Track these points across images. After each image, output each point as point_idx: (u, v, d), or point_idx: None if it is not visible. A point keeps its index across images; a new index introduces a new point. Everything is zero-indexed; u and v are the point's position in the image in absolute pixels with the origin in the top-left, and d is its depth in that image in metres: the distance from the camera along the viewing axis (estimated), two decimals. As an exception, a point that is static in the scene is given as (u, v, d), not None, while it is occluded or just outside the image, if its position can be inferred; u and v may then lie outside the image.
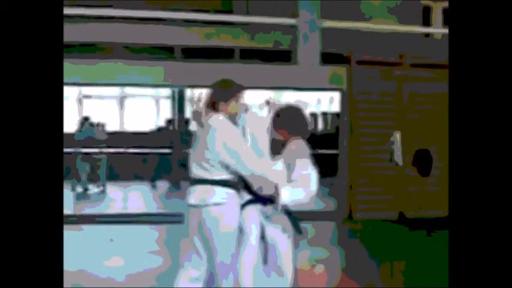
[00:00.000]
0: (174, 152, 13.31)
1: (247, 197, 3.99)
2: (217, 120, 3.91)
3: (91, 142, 12.52)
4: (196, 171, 4.02)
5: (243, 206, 3.98)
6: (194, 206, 3.99)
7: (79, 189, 12.40)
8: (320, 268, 6.30)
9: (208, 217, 3.91)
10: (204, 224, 3.92)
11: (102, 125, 12.92)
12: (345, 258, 7.18)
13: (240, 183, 3.97)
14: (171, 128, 13.95)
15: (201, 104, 4.06)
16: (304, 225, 4.16)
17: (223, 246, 3.91)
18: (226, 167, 3.89)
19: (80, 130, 12.60)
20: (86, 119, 12.79)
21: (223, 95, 3.98)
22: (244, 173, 3.88)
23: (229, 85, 4.06)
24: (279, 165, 3.97)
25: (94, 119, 12.86)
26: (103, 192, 12.52)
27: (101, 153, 12.68)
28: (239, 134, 3.94)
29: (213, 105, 3.96)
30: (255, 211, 3.99)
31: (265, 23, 10.36)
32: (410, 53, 9.81)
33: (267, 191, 3.93)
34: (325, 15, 9.56)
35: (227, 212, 3.91)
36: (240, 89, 4.05)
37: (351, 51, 9.54)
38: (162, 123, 14.38)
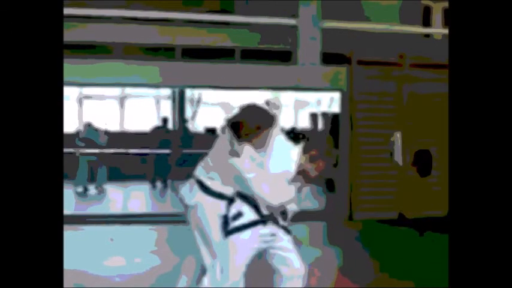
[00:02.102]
0: (172, 152, 13.32)
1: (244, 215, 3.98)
2: (245, 149, 3.91)
3: (91, 143, 12.56)
4: (199, 172, 4.06)
5: (236, 230, 3.97)
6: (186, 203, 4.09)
7: (79, 189, 12.42)
8: None
9: (200, 209, 4.03)
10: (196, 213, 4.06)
11: (104, 131, 13.02)
12: (343, 258, 7.18)
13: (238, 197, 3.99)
14: (169, 126, 13.96)
15: (230, 129, 4.00)
16: (304, 225, 4.16)
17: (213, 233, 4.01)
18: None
19: (83, 135, 12.70)
20: (89, 125, 12.88)
21: (254, 123, 3.93)
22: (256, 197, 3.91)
23: (263, 114, 4.01)
24: (293, 190, 3.99)
25: (96, 124, 12.95)
26: (103, 192, 12.54)
27: (101, 153, 12.70)
28: (256, 167, 3.88)
29: (240, 130, 3.93)
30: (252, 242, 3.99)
31: (265, 23, 10.36)
32: (410, 53, 9.81)
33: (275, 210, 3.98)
34: (326, 15, 9.56)
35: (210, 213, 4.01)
36: (273, 120, 4.00)
37: (351, 51, 9.54)
38: (159, 122, 14.38)
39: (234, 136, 3.92)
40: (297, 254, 4.10)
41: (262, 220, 3.92)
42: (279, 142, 4.01)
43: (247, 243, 3.92)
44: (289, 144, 4.05)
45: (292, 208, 4.07)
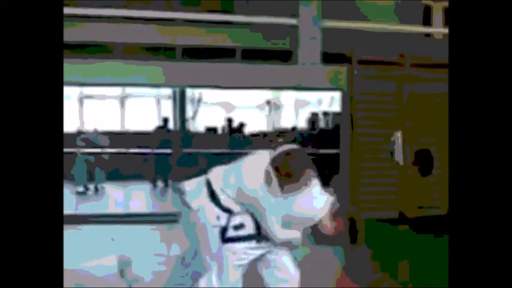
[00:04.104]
0: (173, 151, 13.34)
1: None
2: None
3: (91, 143, 12.60)
4: (217, 180, 4.01)
5: (234, 240, 3.95)
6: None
7: (79, 188, 12.43)
8: None
9: (202, 212, 4.02)
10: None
11: (107, 132, 13.12)
12: (345, 258, 7.18)
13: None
14: (170, 127, 13.99)
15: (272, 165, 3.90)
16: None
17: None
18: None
19: (86, 137, 12.77)
20: (97, 132, 12.97)
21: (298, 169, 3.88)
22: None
23: (307, 162, 3.95)
24: (300, 233, 3.98)
25: (101, 127, 13.05)
26: (103, 192, 12.56)
27: (101, 153, 12.73)
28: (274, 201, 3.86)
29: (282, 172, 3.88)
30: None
31: (265, 23, 10.36)
32: (411, 52, 9.80)
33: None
34: (326, 15, 9.56)
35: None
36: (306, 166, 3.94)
37: (352, 50, 9.53)
38: (160, 122, 14.42)
39: (275, 174, 3.85)
40: (292, 260, 4.10)
41: (259, 236, 3.92)
42: (314, 191, 3.95)
43: (241, 252, 3.92)
44: (321, 195, 3.98)
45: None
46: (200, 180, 4.09)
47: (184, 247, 4.38)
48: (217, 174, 4.06)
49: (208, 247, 4.02)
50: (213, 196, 3.97)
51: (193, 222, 4.07)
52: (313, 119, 16.15)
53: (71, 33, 7.25)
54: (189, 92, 15.29)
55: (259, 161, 3.97)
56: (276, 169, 3.85)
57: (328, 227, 3.95)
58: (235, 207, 3.94)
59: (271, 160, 3.90)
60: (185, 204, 4.09)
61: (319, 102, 16.90)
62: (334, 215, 3.95)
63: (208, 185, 4.02)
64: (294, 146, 4.04)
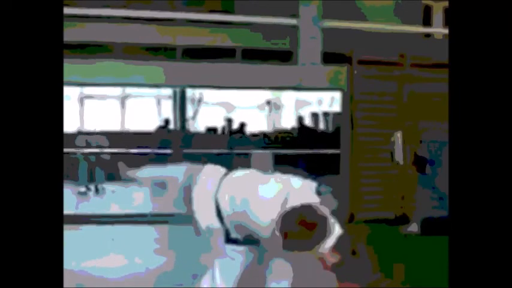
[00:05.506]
0: (173, 152, 13.34)
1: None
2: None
3: (91, 143, 12.62)
4: (223, 194, 3.99)
5: (237, 242, 3.94)
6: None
7: (80, 189, 12.44)
8: None
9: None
10: None
11: (106, 133, 13.18)
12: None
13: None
14: (170, 127, 14.00)
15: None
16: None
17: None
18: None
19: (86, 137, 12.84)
20: (97, 133, 13.07)
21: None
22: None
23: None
24: None
25: (99, 128, 13.10)
26: (103, 192, 12.56)
27: (101, 153, 12.74)
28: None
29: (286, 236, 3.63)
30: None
31: (265, 23, 10.36)
32: (411, 52, 9.81)
33: None
34: (326, 15, 9.56)
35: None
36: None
37: (352, 50, 9.54)
38: (161, 122, 14.45)
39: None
40: (287, 258, 4.10)
41: (258, 241, 3.93)
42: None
43: (243, 251, 3.93)
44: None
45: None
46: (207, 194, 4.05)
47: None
48: (224, 193, 3.94)
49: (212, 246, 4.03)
50: (220, 216, 3.94)
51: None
52: (301, 116, 16.17)
53: (71, 33, 7.26)
54: (189, 92, 15.29)
55: (272, 196, 3.73)
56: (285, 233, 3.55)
57: (329, 260, 3.90)
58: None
59: (282, 220, 3.56)
60: (190, 210, 4.08)
61: (319, 102, 16.90)
62: (337, 248, 3.89)
63: (217, 205, 3.97)
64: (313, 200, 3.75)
